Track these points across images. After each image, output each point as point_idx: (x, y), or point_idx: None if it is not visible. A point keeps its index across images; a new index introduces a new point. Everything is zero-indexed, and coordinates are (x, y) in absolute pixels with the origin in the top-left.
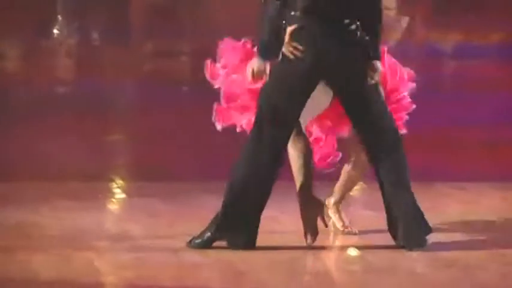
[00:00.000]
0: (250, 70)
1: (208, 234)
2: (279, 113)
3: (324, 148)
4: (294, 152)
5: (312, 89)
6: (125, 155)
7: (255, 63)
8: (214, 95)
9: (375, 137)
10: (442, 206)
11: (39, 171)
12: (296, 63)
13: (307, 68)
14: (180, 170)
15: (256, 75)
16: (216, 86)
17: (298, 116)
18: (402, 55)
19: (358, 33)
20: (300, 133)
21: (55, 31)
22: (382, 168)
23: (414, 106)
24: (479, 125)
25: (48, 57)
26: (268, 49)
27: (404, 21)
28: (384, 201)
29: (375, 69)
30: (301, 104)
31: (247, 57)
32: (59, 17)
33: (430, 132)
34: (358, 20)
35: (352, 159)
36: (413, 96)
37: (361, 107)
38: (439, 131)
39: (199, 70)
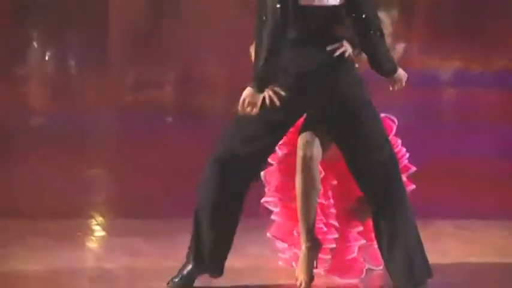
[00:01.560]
0: (242, 100)
1: (185, 270)
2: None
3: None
4: (302, 187)
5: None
6: (105, 190)
7: (248, 94)
8: (198, 125)
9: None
10: (442, 245)
11: (12, 207)
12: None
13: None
14: (163, 207)
15: (247, 106)
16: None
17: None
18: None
19: (348, 53)
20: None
21: (31, 59)
22: (378, 203)
23: (414, 168)
24: (480, 157)
25: (23, 86)
26: (265, 81)
27: (400, 47)
28: (380, 235)
29: (397, 81)
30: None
31: None
32: (35, 44)
33: (428, 164)
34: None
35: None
36: (411, 125)
37: (353, 133)
38: (439, 162)
39: (183, 99)
